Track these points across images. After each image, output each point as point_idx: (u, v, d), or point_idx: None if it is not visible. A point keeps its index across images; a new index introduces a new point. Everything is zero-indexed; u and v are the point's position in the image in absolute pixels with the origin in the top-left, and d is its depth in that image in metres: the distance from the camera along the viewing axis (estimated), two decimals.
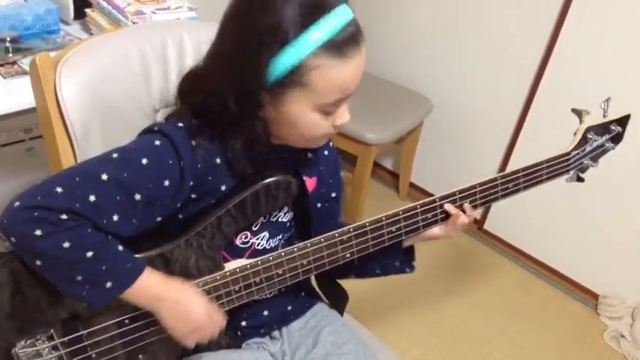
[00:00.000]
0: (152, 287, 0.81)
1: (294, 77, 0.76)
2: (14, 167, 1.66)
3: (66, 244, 0.73)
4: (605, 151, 1.13)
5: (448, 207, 0.96)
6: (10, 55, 1.38)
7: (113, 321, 0.86)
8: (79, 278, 0.76)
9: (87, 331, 0.85)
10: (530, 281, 2.22)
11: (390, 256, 1.02)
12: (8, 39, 1.40)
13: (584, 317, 2.08)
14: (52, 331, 0.83)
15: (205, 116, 0.83)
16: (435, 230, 0.99)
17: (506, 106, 2.15)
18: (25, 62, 1.36)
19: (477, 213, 2.36)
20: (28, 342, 0.82)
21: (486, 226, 2.37)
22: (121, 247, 0.79)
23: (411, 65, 2.41)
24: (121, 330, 0.87)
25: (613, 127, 1.11)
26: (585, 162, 1.11)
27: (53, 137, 0.91)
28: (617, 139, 1.14)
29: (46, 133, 0.93)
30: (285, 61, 0.75)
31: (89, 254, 0.75)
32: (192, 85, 0.87)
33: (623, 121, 1.13)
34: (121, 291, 0.78)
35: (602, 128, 1.10)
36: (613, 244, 2.03)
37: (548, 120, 2.02)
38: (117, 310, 0.85)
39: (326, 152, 1.02)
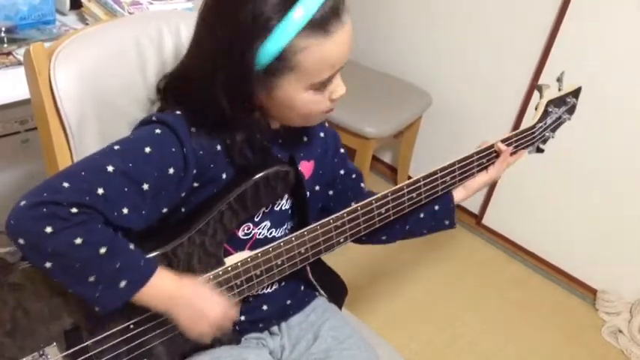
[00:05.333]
0: (166, 287, 0.79)
1: (283, 63, 0.76)
2: (10, 159, 1.65)
3: (78, 241, 0.71)
4: (561, 123, 1.20)
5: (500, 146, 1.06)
6: (5, 45, 1.36)
7: (118, 328, 0.84)
8: (92, 279, 0.73)
9: (92, 340, 0.83)
10: (528, 276, 2.22)
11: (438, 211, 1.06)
12: (3, 29, 1.39)
13: (582, 312, 2.08)
14: (54, 344, 0.80)
15: (200, 112, 0.82)
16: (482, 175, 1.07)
17: (506, 101, 2.14)
18: (20, 53, 1.35)
19: (475, 207, 2.36)
20: (30, 358, 0.79)
21: (484, 221, 2.37)
22: (132, 245, 0.77)
23: (410, 59, 2.39)
24: (125, 336, 0.85)
25: (568, 100, 1.18)
26: (547, 134, 1.18)
27: (48, 129, 0.90)
28: (572, 110, 1.21)
29: (40, 124, 0.92)
30: (271, 48, 0.74)
31: (102, 250, 0.73)
32: (176, 89, 0.86)
33: (576, 93, 1.20)
34: (135, 290, 0.76)
35: (559, 101, 1.17)
36: (612, 239, 2.03)
37: None
38: (121, 317, 0.83)
39: (322, 134, 1.01)
